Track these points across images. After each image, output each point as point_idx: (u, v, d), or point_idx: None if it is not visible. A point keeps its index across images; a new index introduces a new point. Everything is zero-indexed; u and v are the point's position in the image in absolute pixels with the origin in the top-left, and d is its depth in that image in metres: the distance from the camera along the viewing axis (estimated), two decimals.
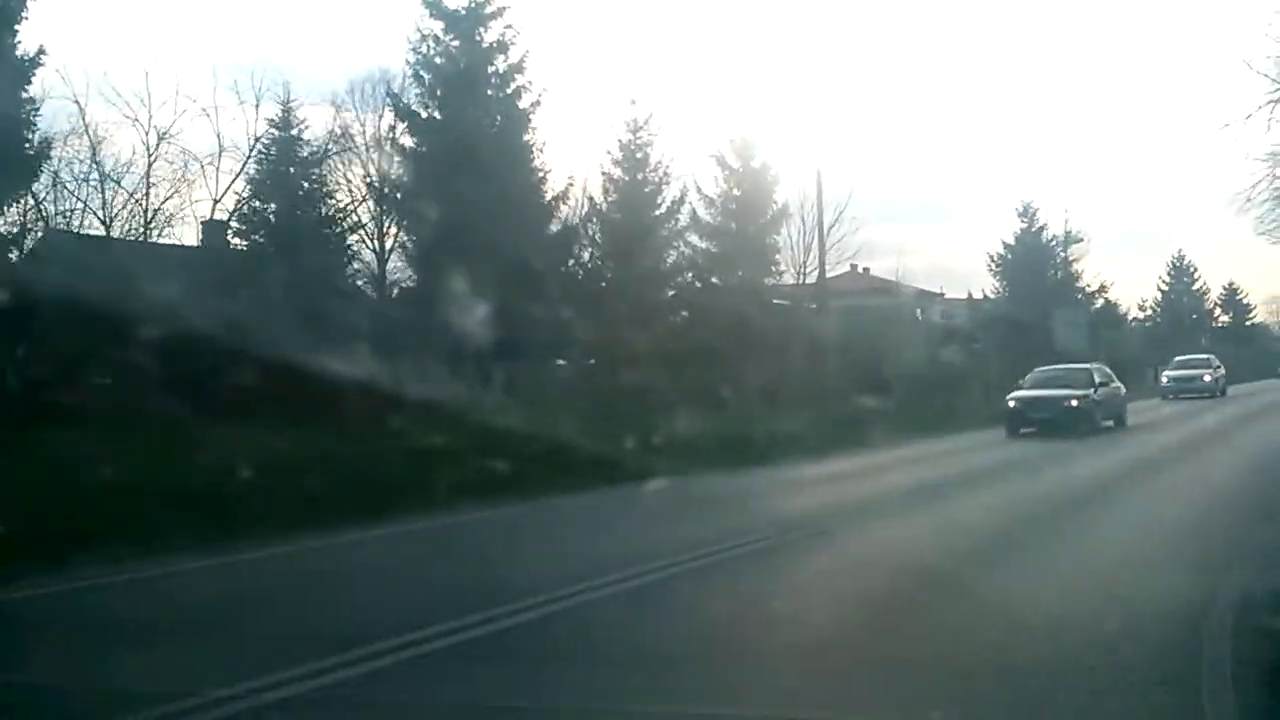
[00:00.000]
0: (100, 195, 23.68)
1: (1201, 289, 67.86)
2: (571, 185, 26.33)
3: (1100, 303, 47.54)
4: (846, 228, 35.69)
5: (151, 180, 24.24)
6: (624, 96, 55.43)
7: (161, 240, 24.53)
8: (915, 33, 74.53)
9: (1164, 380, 34.89)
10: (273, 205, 24.22)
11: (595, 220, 28.25)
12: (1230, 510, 9.83)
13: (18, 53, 19.43)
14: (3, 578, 6.82)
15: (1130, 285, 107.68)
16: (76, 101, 23.39)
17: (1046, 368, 22.29)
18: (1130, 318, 57.39)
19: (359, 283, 26.50)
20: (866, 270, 42.42)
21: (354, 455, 12.14)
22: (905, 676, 4.76)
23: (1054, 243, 46.25)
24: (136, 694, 4.48)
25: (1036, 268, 45.01)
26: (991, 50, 78.00)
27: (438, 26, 24.12)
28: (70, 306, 16.76)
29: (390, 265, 26.85)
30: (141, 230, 23.76)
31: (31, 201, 21.95)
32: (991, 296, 45.65)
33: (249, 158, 25.02)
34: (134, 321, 16.66)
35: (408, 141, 24.67)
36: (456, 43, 24.09)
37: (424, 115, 24.30)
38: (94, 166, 23.59)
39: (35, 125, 20.30)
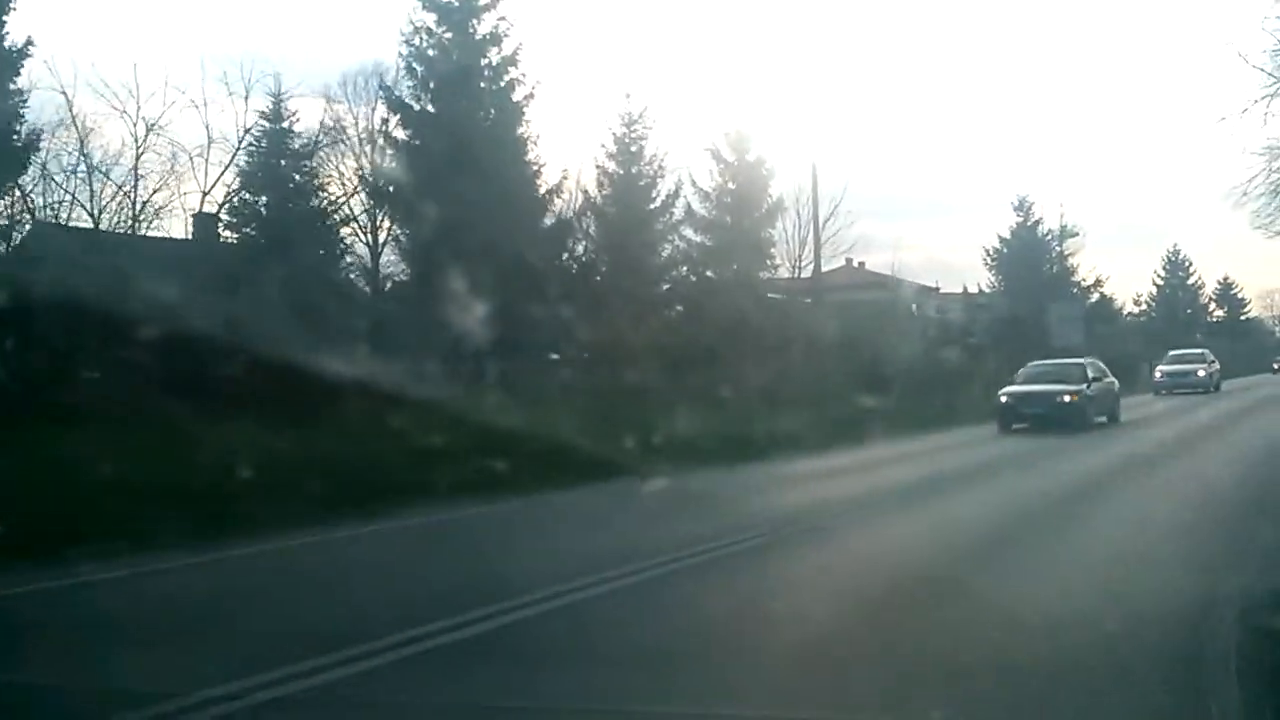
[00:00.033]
0: (88, 187, 23.53)
1: (1197, 283, 68.12)
2: (565, 179, 26.31)
3: (1096, 297, 47.63)
4: (841, 221, 35.74)
5: (140, 172, 24.09)
6: (618, 90, 55.45)
7: (151, 234, 24.36)
8: (911, 26, 74.45)
9: (1157, 375, 34.69)
10: (264, 198, 24.08)
11: (589, 214, 28.18)
12: (1226, 508, 9.73)
13: (6, 44, 19.29)
14: None
15: (1126, 280, 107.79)
16: (64, 93, 23.22)
17: (1039, 362, 22.09)
18: (1125, 312, 57.57)
19: (352, 276, 26.39)
20: (862, 264, 42.49)
21: (348, 451, 12.03)
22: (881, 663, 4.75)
23: (1049, 237, 46.31)
24: (132, 693, 4.44)
25: (1032, 262, 45.06)
26: (987, 44, 78.08)
27: (430, 19, 23.98)
28: (59, 300, 16.64)
29: (384, 259, 26.78)
30: (130, 223, 23.59)
31: (18, 194, 21.78)
32: (987, 291, 45.71)
33: (238, 149, 24.88)
34: (123, 316, 16.53)
35: (400, 134, 24.56)
36: (449, 35, 23.96)
37: (417, 108, 24.17)
38: (82, 158, 23.43)
39: (23, 117, 20.18)
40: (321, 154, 25.88)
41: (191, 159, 25.33)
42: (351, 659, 4.83)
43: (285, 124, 24.72)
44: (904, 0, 66.95)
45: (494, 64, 24.12)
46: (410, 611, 5.76)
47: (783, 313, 29.99)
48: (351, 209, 26.30)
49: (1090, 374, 20.67)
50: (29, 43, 19.53)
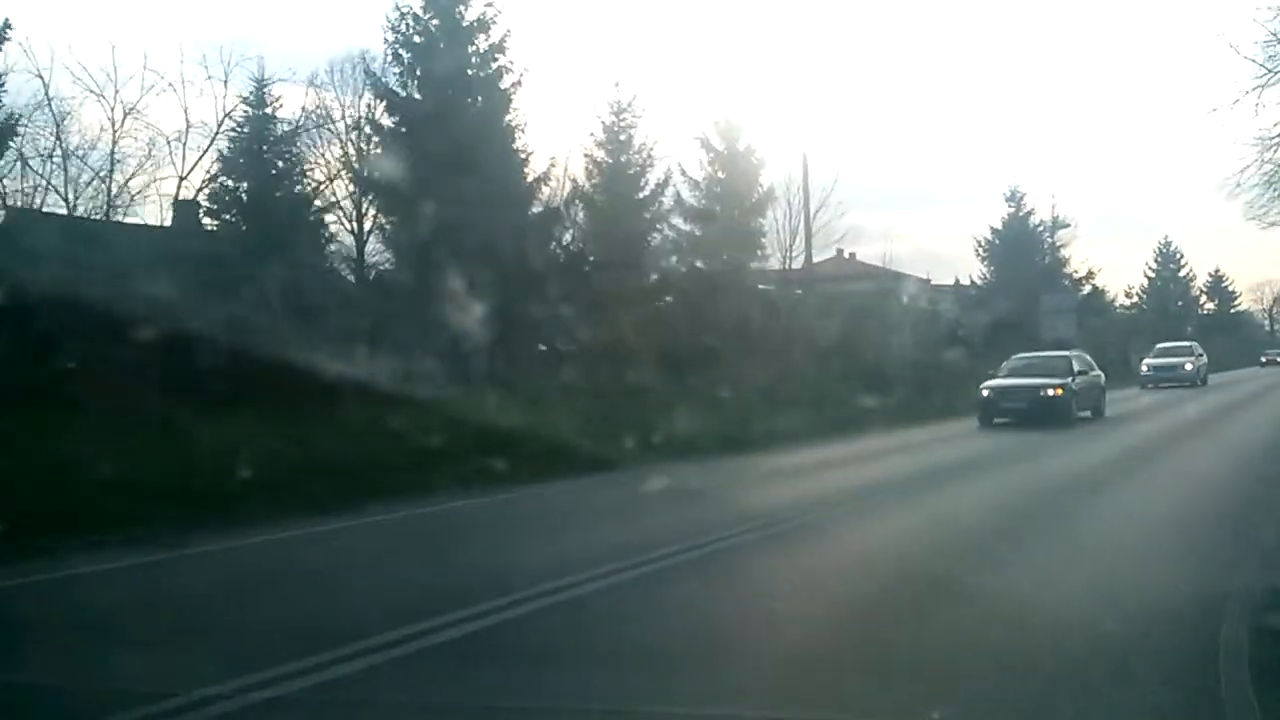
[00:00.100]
0: (63, 173, 23.26)
1: (1188, 275, 68.19)
2: (554, 167, 26.08)
3: (1087, 289, 47.59)
4: (832, 212, 35.58)
5: (117, 157, 23.82)
6: (607, 78, 55.04)
7: (129, 220, 24.15)
8: (901, 17, 74.02)
9: (1143, 369, 34.11)
10: (245, 185, 23.81)
11: (578, 203, 27.97)
12: (1218, 508, 9.51)
13: None
14: None
15: (1117, 271, 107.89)
16: (40, 76, 22.91)
17: (1023, 355, 21.67)
18: (1117, 305, 57.58)
19: (336, 265, 26.17)
20: (853, 255, 42.36)
21: (335, 442, 11.94)
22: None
23: (1041, 228, 46.23)
24: (130, 692, 4.38)
25: (1024, 254, 44.94)
26: (978, 34, 77.75)
27: (417, 4, 23.67)
28: (37, 289, 16.42)
29: (369, 248, 26.56)
30: (105, 209, 23.34)
31: None
32: (978, 282, 45.62)
33: (216, 134, 24.59)
34: (103, 305, 16.36)
35: (387, 122, 24.30)
36: (436, 21, 23.67)
37: (403, 95, 23.89)
38: (58, 142, 23.14)
39: (1, 101, 19.90)
40: (306, 141, 25.65)
41: (169, 144, 25.09)
42: (349, 656, 4.77)
43: (268, 110, 24.43)
44: None
45: (481, 51, 23.84)
46: (406, 608, 5.71)
47: (773, 304, 29.85)
48: (336, 195, 26.09)
49: (1075, 367, 20.23)
50: (6, 25, 19.28)
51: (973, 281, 45.90)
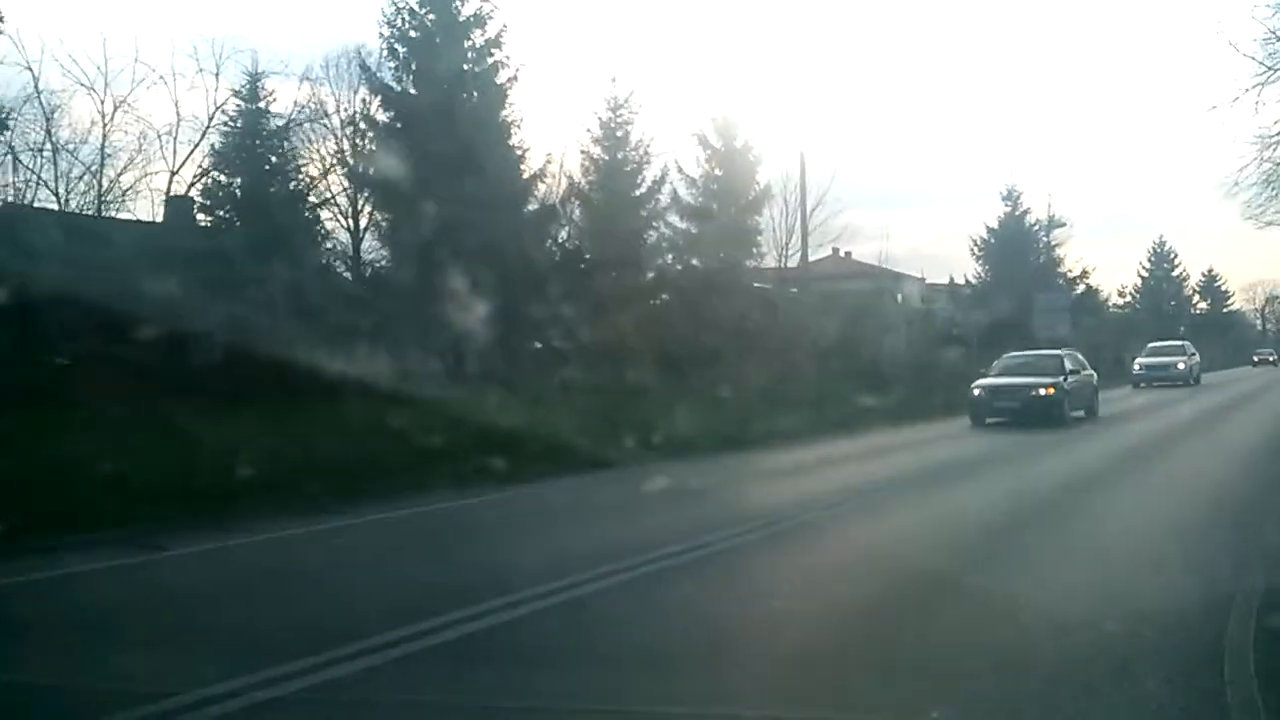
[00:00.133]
0: (54, 167, 23.09)
1: (1182, 275, 68.40)
2: (550, 163, 26.06)
3: (1082, 288, 47.68)
4: (829, 211, 35.67)
5: (107, 151, 23.66)
6: (604, 74, 54.92)
7: (122, 215, 23.99)
8: (899, 15, 74.06)
9: (1135, 368, 33.86)
10: (238, 180, 23.66)
11: (574, 200, 27.91)
12: (1217, 509, 9.41)
13: None
14: None
15: (1112, 271, 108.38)
16: (30, 68, 22.73)
17: (1015, 353, 21.47)
18: (1111, 304, 57.70)
19: (332, 262, 26.04)
20: (849, 254, 42.36)
21: (332, 439, 11.90)
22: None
23: (1037, 227, 46.30)
24: (129, 693, 4.34)
25: (1019, 252, 45.03)
26: (975, 33, 77.77)
27: None
28: (29, 285, 16.30)
29: (365, 245, 26.45)
30: (96, 204, 23.19)
31: None
32: (974, 282, 45.67)
33: (208, 128, 24.43)
34: (96, 301, 16.26)
35: (382, 117, 24.21)
36: (432, 16, 23.57)
37: (398, 89, 23.79)
38: (48, 137, 22.98)
39: None
40: (301, 137, 25.50)
41: (160, 138, 24.94)
42: (349, 656, 4.74)
43: (262, 104, 24.26)
44: None
45: (477, 46, 23.77)
46: (405, 607, 5.69)
47: (770, 302, 29.83)
48: (331, 191, 25.96)
49: (1068, 366, 19.98)
50: None
51: (968, 281, 45.99)
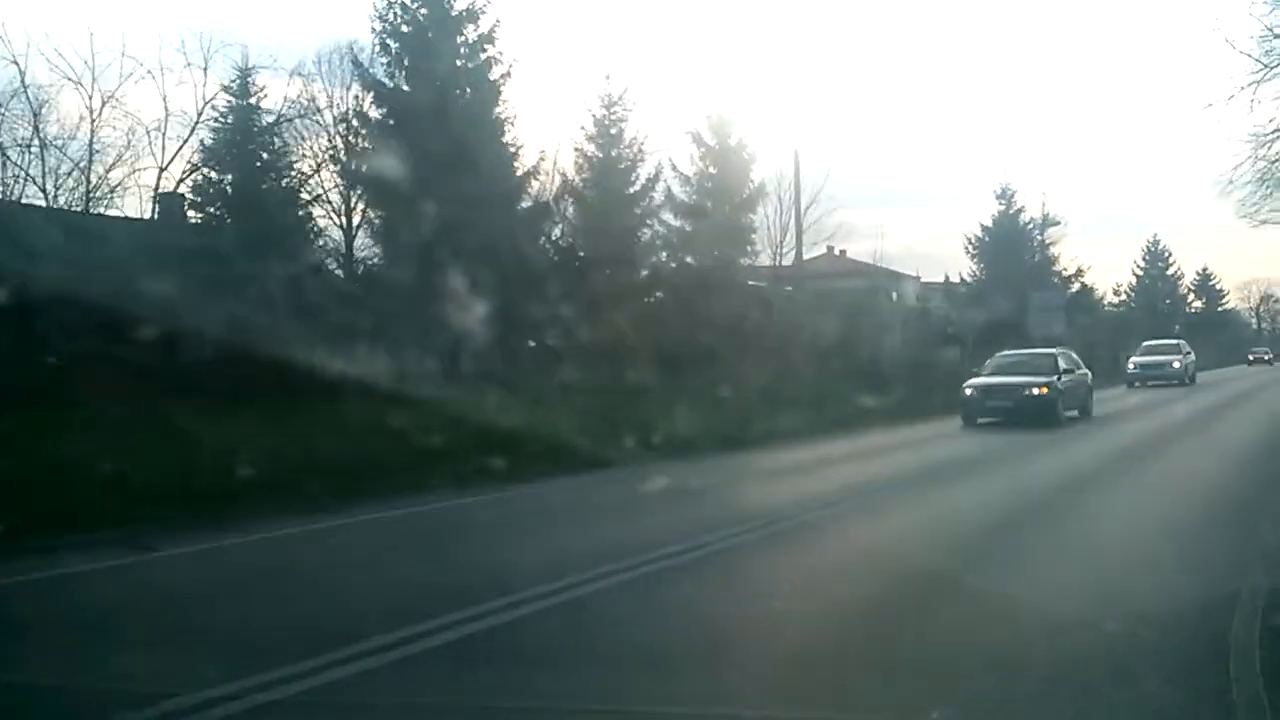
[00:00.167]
0: (41, 163, 22.89)
1: (1176, 274, 68.52)
2: (543, 160, 25.95)
3: (1076, 287, 47.71)
4: (823, 209, 35.56)
5: (95, 147, 23.46)
6: (598, 71, 54.75)
7: (111, 212, 23.79)
8: (893, 14, 74.02)
9: (1130, 367, 33.47)
10: (229, 177, 23.48)
11: (567, 197, 27.77)
12: (1214, 511, 9.31)
13: None
14: None
15: (1107, 270, 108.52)
16: (16, 62, 22.51)
17: (1008, 352, 21.23)
18: (1105, 303, 57.76)
19: (325, 260, 25.87)
20: (843, 253, 42.35)
21: (328, 438, 11.83)
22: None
23: (1031, 225, 46.30)
24: (131, 694, 4.31)
25: (1014, 251, 45.04)
26: (970, 31, 77.81)
27: None
28: (21, 282, 16.15)
29: (358, 243, 26.28)
30: (84, 201, 22.99)
31: None
32: (968, 280, 45.66)
33: (197, 123, 24.23)
34: (88, 299, 16.12)
35: (374, 113, 24.06)
36: (424, 11, 23.44)
37: (390, 85, 23.64)
38: (35, 133, 22.78)
39: None
40: (293, 133, 25.31)
41: (149, 133, 24.77)
42: (347, 659, 4.69)
43: (253, 100, 24.07)
44: None
45: (470, 41, 23.64)
46: (404, 608, 5.66)
47: (765, 301, 29.74)
48: (324, 187, 25.77)
49: (1062, 365, 19.70)
50: None
51: (963, 279, 45.97)
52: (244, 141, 23.77)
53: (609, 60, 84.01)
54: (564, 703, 4.33)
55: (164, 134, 24.78)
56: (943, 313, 39.02)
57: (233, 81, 23.95)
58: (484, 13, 23.60)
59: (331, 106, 26.34)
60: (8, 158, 22.14)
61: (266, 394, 15.37)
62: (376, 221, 25.04)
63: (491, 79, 23.72)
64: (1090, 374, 21.83)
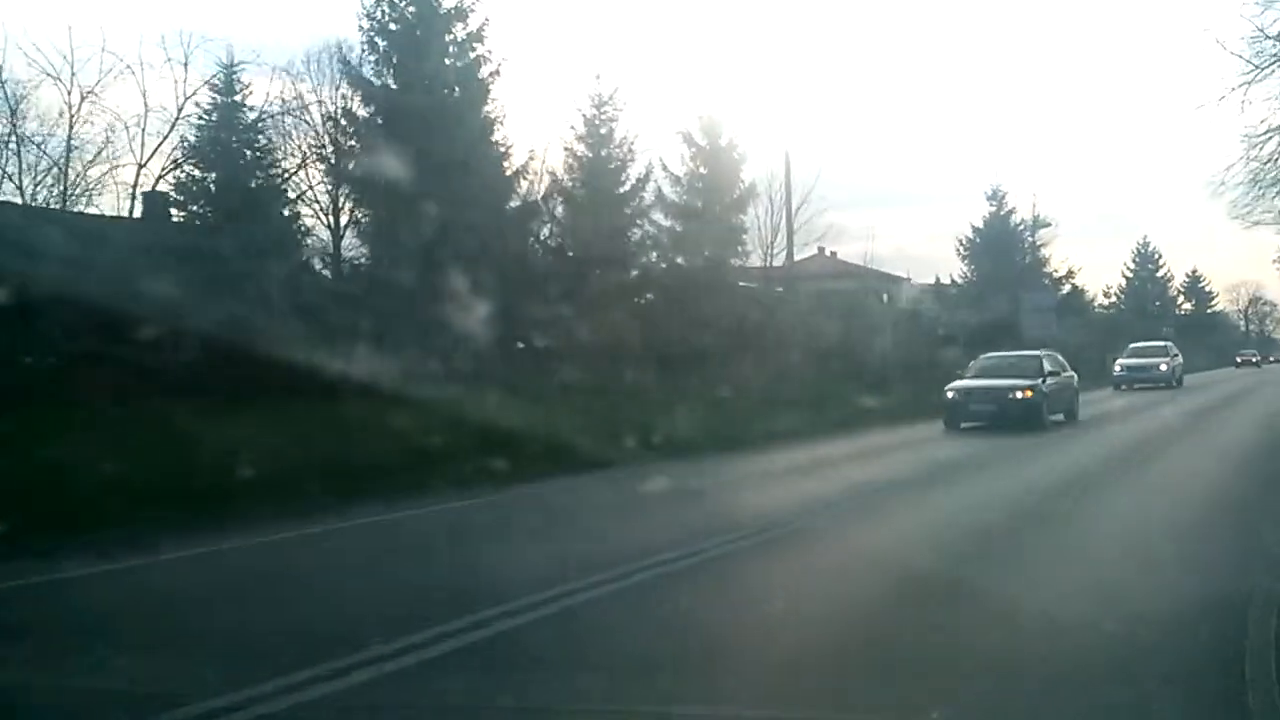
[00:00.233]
0: (18, 160, 22.58)
1: (1166, 276, 68.79)
2: (532, 159, 25.75)
3: (1067, 288, 47.79)
4: (814, 209, 35.39)
5: (74, 144, 23.17)
6: (588, 70, 54.65)
7: (90, 210, 23.50)
8: (884, 14, 74.12)
9: (1116, 369, 32.92)
10: (213, 175, 23.21)
11: (557, 197, 27.60)
12: (1212, 513, 9.20)
13: None
14: None
15: (1097, 271, 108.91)
16: None
17: (992, 354, 20.77)
18: (1096, 304, 57.90)
19: (312, 259, 25.62)
20: (834, 254, 42.28)
21: (319, 438, 11.76)
22: None
23: (1022, 227, 46.38)
24: (133, 694, 4.33)
25: (1004, 252, 45.10)
26: (961, 32, 77.95)
27: None
28: (9, 282, 15.89)
29: (345, 242, 26.05)
30: (61, 198, 22.71)
31: None
32: (959, 282, 45.67)
33: (177, 119, 23.96)
34: (72, 299, 15.89)
35: (362, 112, 23.86)
36: (412, 8, 23.24)
37: (378, 84, 23.43)
38: (13, 129, 22.49)
39: None
40: (280, 131, 25.05)
41: (128, 129, 24.46)
42: (342, 670, 4.63)
43: (237, 97, 23.81)
44: None
45: (459, 40, 23.47)
46: (401, 615, 5.60)
47: (756, 302, 29.63)
48: (311, 186, 25.51)
49: (1047, 367, 19.25)
50: None
51: (954, 281, 46.00)
52: (228, 139, 23.52)
53: (599, 59, 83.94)
54: (564, 703, 4.34)
55: (143, 130, 24.56)
56: (934, 314, 38.99)
57: (215, 76, 23.71)
58: (473, 11, 23.47)
59: (320, 103, 26.11)
60: None
61: (256, 394, 15.21)
62: (364, 221, 24.82)
63: (480, 78, 23.55)
64: (1076, 376, 21.38)
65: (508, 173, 24.31)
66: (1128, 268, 67.02)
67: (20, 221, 21.03)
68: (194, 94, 23.95)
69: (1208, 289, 72.64)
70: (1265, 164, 17.63)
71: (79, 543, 7.53)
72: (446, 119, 22.19)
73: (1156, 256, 67.43)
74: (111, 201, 25.27)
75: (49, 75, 23.88)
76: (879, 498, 10.68)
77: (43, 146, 22.99)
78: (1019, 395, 18.02)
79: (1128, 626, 5.02)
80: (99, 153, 23.84)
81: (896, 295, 40.55)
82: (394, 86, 23.30)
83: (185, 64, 24.45)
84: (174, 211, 23.35)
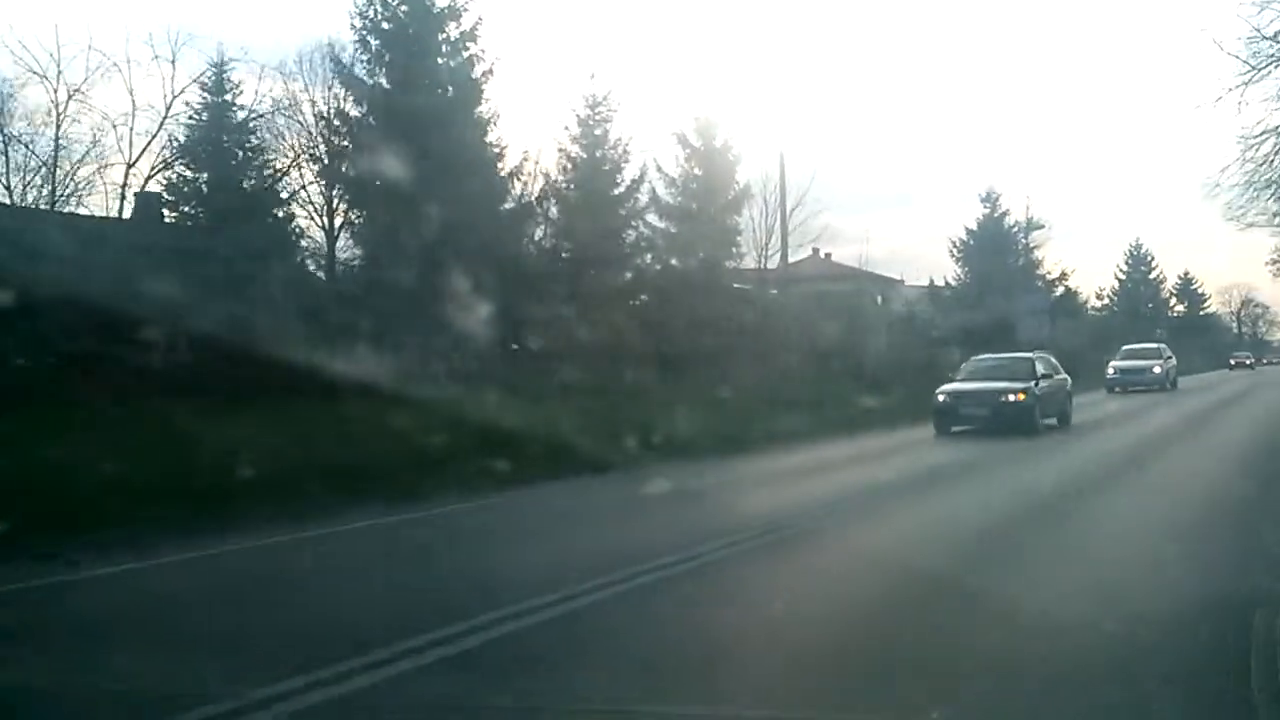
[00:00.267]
0: (5, 160, 22.45)
1: (1159, 278, 68.99)
2: (526, 160, 25.70)
3: (1061, 291, 47.87)
4: (808, 211, 35.48)
5: (62, 143, 23.05)
6: (582, 71, 54.57)
7: (80, 211, 23.38)
8: (879, 16, 74.26)
9: (1110, 372, 32.49)
10: (205, 175, 23.11)
11: (551, 198, 27.57)
12: (1211, 515, 9.12)
13: None
14: None
15: (1093, 273, 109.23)
16: None
17: (984, 356, 20.34)
18: (1089, 306, 58.03)
19: (306, 260, 25.56)
20: (828, 256, 42.35)
21: (320, 439, 11.73)
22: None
23: (1016, 229, 46.45)
24: (126, 694, 4.33)
25: (998, 254, 45.17)
26: (956, 34, 78.14)
27: None
28: (7, 283, 15.82)
29: (340, 244, 25.98)
30: (50, 199, 22.59)
31: None
32: (953, 284, 45.72)
33: (165, 117, 23.82)
34: (64, 300, 15.82)
35: (354, 111, 23.80)
36: (405, 8, 23.18)
37: (370, 83, 23.36)
38: (0, 129, 22.35)
39: None
40: (272, 131, 24.96)
41: (115, 128, 24.31)
42: (342, 675, 4.61)
43: (228, 96, 23.70)
44: None
45: (452, 39, 23.43)
46: (397, 620, 5.60)
47: (750, 303, 29.63)
48: (304, 185, 25.43)
49: (1039, 370, 18.67)
50: None
51: (947, 283, 46.05)
52: (219, 139, 23.42)
53: (593, 60, 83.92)
54: (564, 704, 4.33)
55: (131, 129, 24.45)
56: (928, 316, 39.02)
57: (204, 74, 23.60)
58: (466, 10, 23.44)
59: (312, 103, 26.04)
60: None
61: (255, 395, 15.19)
62: (358, 221, 24.77)
63: (474, 77, 23.51)
64: (1070, 379, 20.97)
65: (502, 173, 24.31)
66: (1120, 270, 67.28)
67: (11, 222, 20.92)
68: (182, 92, 23.87)
69: (1200, 291, 72.97)
70: (1261, 165, 17.67)
71: (79, 543, 7.51)
72: (440, 119, 22.15)
73: (1149, 258, 67.71)
74: (100, 202, 25.12)
75: (35, 74, 23.78)
76: (878, 499, 10.68)
77: (31, 146, 22.89)
78: (1011, 399, 17.60)
79: (1127, 626, 5.04)
80: (87, 152, 23.77)
81: (890, 297, 40.60)
82: (387, 86, 23.26)
83: (173, 61, 24.34)
84: (165, 212, 23.25)
